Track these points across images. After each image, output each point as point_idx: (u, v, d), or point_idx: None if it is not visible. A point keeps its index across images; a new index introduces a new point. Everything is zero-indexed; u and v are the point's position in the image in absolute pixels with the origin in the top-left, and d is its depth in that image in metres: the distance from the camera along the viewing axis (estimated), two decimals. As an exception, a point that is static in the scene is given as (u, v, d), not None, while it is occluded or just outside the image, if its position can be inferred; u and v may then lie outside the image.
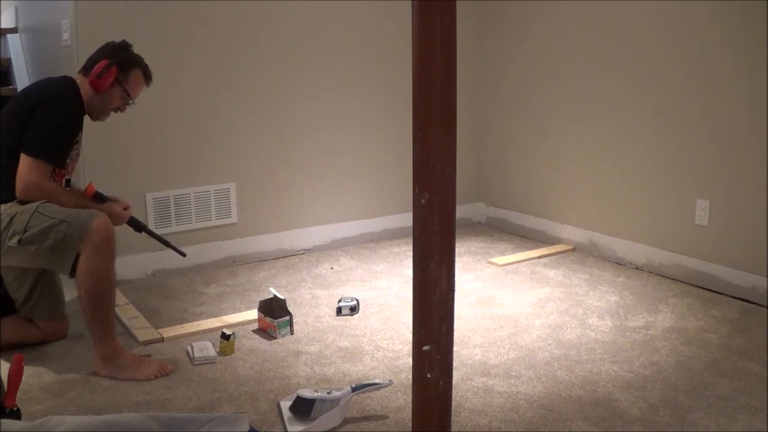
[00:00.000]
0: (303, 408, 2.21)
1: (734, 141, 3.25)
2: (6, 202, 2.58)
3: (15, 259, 2.59)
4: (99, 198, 2.79)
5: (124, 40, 2.78)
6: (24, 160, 2.54)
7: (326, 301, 3.30)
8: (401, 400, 2.36)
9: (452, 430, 1.60)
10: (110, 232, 2.53)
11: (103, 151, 3.40)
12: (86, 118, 2.78)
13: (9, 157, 2.59)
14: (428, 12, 1.24)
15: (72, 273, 2.54)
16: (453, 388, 1.43)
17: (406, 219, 4.24)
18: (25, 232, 2.50)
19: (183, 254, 3.08)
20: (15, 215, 2.53)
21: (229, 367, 2.63)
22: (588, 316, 3.09)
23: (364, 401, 2.35)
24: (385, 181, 4.30)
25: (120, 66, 2.70)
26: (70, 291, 2.98)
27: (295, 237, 4.04)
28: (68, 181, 2.82)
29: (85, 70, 2.73)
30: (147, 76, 2.80)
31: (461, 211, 4.47)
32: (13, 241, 2.51)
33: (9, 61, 4.42)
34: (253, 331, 2.95)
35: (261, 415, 2.27)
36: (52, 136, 2.59)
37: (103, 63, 2.67)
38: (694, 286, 3.43)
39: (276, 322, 2.87)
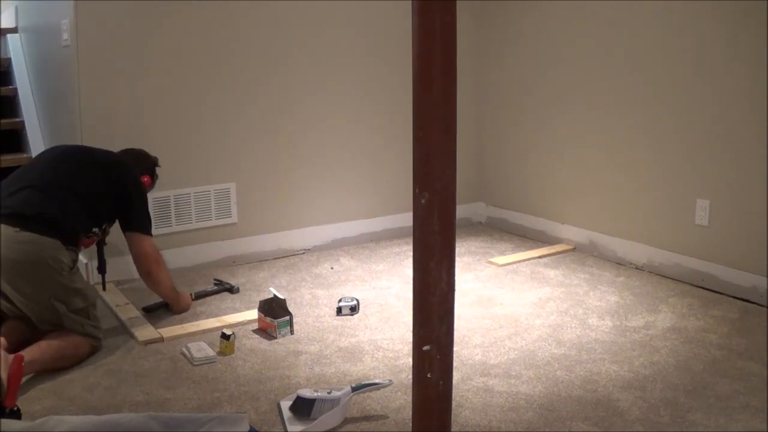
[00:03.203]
0: (303, 408, 2.21)
1: (734, 141, 3.25)
2: (76, 231, 2.71)
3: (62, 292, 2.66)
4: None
5: (156, 158, 3.24)
6: (142, 238, 2.89)
7: (326, 301, 3.30)
8: (401, 400, 2.36)
9: (452, 430, 1.60)
10: (85, 358, 2.65)
11: (103, 151, 3.40)
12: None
13: (85, 197, 2.76)
14: (428, 12, 1.24)
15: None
16: (453, 388, 1.43)
17: (406, 219, 4.24)
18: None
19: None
20: (77, 272, 2.71)
21: (229, 367, 2.63)
22: (588, 316, 3.09)
23: (364, 401, 2.35)
24: (385, 181, 4.30)
25: (152, 180, 3.23)
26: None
27: (295, 237, 4.04)
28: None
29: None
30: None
31: (461, 211, 4.47)
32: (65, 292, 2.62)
33: (9, 61, 4.42)
34: (253, 331, 2.96)
35: (261, 415, 2.27)
36: (149, 213, 2.98)
37: (147, 180, 3.12)
38: (694, 286, 3.43)
39: (276, 322, 2.87)
